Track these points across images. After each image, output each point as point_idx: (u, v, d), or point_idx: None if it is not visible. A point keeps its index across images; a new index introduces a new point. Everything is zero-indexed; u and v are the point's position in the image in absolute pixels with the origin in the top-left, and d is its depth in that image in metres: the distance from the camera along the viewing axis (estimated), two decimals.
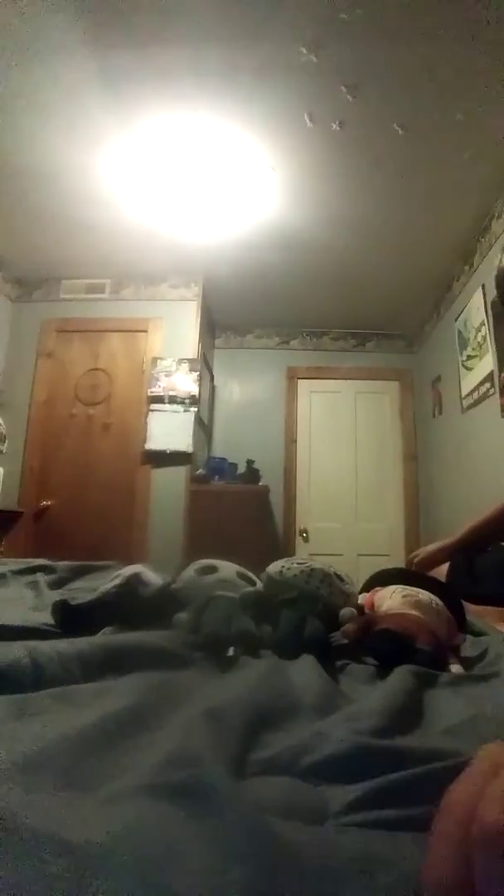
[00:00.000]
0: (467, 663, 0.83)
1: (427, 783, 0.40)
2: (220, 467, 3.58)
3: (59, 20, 1.84)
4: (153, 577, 1.02)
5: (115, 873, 0.29)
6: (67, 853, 0.29)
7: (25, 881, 0.28)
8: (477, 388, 3.02)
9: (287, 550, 3.95)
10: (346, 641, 0.86)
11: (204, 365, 3.76)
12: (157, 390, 3.45)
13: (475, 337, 3.04)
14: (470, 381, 3.13)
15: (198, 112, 2.25)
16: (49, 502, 3.38)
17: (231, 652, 0.78)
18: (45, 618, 0.91)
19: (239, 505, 3.30)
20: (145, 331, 3.61)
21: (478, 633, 1.00)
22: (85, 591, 1.26)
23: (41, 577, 1.41)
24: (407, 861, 0.31)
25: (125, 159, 2.54)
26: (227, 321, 4.37)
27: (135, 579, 0.99)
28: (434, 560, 1.70)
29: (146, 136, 2.38)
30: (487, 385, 2.86)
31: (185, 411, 3.44)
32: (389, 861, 0.32)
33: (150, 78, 2.09)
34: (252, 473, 3.57)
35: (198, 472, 3.45)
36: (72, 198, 2.84)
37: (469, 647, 0.91)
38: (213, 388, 4.27)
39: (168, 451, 3.37)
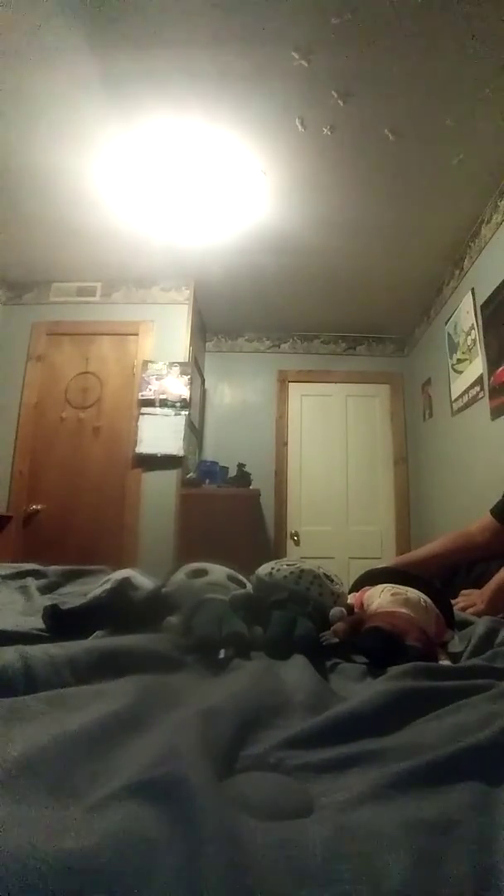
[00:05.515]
0: (456, 658, 0.84)
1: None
2: (210, 471, 3.58)
3: (54, 23, 1.84)
4: (144, 581, 1.02)
5: (104, 886, 0.29)
6: (58, 865, 0.29)
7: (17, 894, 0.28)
8: (467, 391, 3.04)
9: (278, 554, 3.94)
10: (336, 641, 0.87)
11: (195, 368, 3.76)
12: (147, 394, 3.44)
13: (465, 341, 3.07)
14: (460, 384, 3.16)
15: (190, 115, 2.25)
16: (39, 506, 3.35)
17: (222, 654, 0.78)
18: (35, 622, 0.90)
19: (230, 508, 3.29)
20: (136, 334, 3.60)
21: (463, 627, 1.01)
22: (75, 595, 1.25)
23: (31, 582, 1.41)
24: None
25: (117, 162, 2.54)
26: (219, 324, 4.37)
27: (125, 583, 0.98)
28: None
29: (138, 138, 2.39)
30: (477, 388, 2.89)
31: (175, 415, 3.43)
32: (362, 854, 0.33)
33: (143, 81, 2.09)
34: (243, 477, 3.56)
35: (188, 475, 3.44)
36: (63, 200, 2.83)
37: (457, 643, 0.92)
38: (203, 392, 4.26)
39: (159, 455, 3.36)
